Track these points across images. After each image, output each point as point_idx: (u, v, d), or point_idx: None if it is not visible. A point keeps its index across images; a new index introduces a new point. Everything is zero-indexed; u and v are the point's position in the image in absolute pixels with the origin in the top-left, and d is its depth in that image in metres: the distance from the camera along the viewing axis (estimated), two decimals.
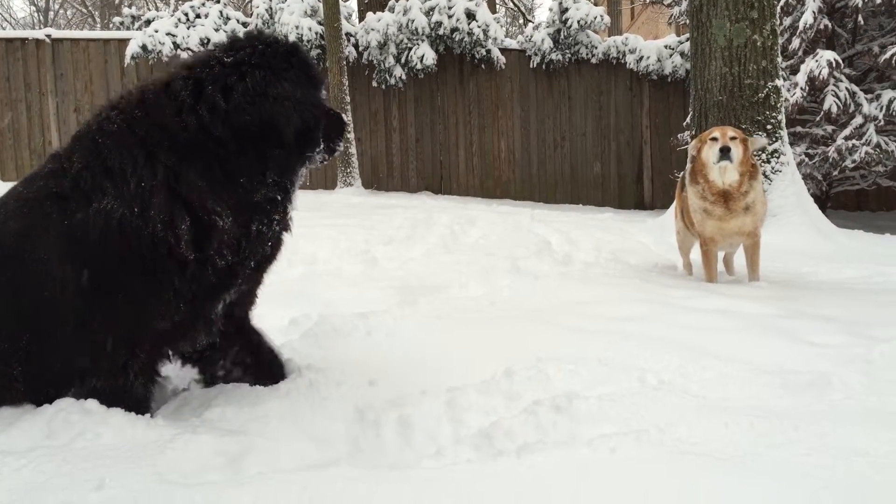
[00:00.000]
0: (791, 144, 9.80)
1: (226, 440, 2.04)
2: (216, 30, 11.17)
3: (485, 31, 11.19)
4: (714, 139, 4.27)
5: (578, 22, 11.34)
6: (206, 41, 11.00)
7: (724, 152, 4.17)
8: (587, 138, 12.12)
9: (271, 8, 11.32)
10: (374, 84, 11.47)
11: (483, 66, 11.69)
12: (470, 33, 11.15)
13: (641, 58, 11.65)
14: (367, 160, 11.86)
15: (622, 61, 11.80)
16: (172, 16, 11.48)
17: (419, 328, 3.07)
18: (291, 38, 10.88)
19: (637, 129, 12.14)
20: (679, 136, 10.04)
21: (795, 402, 2.40)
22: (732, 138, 4.24)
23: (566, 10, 11.44)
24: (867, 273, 5.11)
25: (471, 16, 11.18)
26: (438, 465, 1.97)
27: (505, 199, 11.76)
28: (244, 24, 11.52)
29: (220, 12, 11.43)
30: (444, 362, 2.66)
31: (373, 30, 11.16)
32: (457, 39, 11.20)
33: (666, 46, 11.60)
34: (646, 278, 4.45)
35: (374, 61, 11.33)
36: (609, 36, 13.60)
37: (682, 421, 2.14)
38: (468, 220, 6.47)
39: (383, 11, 11.43)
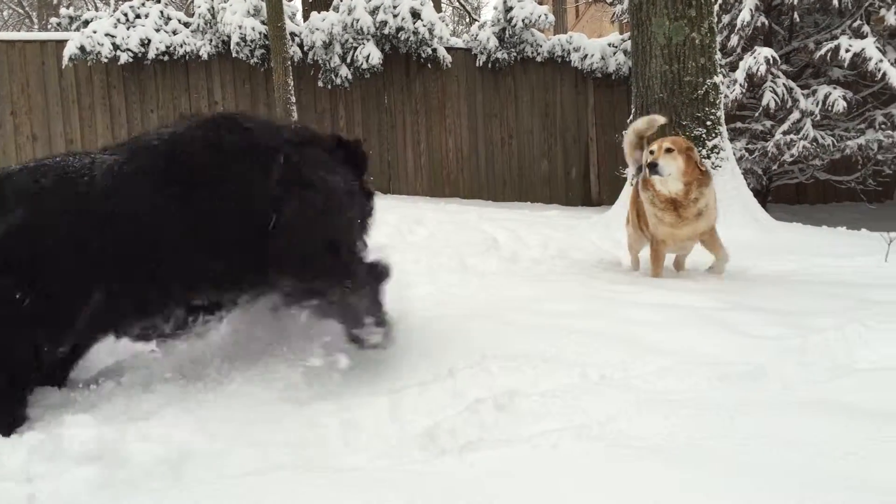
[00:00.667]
0: (732, 140, 10.02)
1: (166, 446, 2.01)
2: (157, 30, 10.97)
3: (430, 31, 11.20)
4: (651, 152, 4.29)
5: (523, 21, 11.41)
6: (146, 42, 10.79)
7: (652, 167, 4.19)
8: (534, 136, 12.20)
9: (213, 7, 11.15)
10: (321, 84, 11.39)
11: (429, 65, 11.68)
12: (415, 32, 11.14)
13: (586, 56, 11.77)
14: None
15: (567, 59, 11.91)
16: (112, 16, 11.22)
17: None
18: (234, 38, 10.75)
19: (583, 127, 12.27)
20: (624, 132, 10.15)
21: (734, 394, 2.45)
22: (668, 150, 4.23)
23: (511, 8, 11.50)
24: (805, 265, 5.24)
25: (416, 15, 11.17)
26: (383, 465, 1.97)
27: (454, 197, 11.78)
28: (186, 24, 11.33)
29: (161, 12, 11.22)
30: (388, 362, 2.66)
31: (317, 29, 11.08)
32: (402, 39, 11.18)
33: (609, 45, 11.74)
34: (591, 274, 4.51)
35: (320, 61, 11.25)
36: (555, 34, 13.72)
37: (623, 415, 2.18)
38: (415, 220, 6.48)
39: (328, 11, 11.34)
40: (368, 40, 11.12)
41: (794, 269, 5.12)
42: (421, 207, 8.08)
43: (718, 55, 9.78)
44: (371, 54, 11.03)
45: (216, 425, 2.18)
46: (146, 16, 11.07)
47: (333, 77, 11.20)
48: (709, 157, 6.43)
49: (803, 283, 4.42)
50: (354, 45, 11.14)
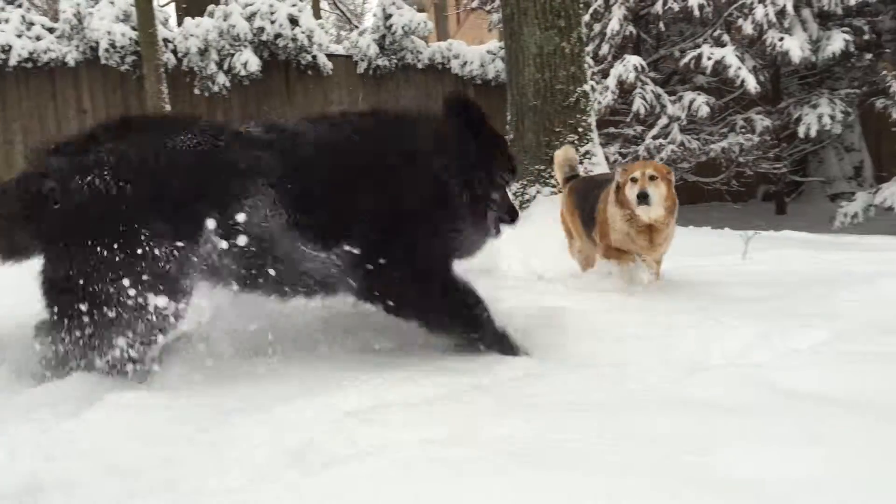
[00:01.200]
0: (606, 144, 10.41)
1: None
2: (18, 36, 10.41)
3: (309, 37, 11.10)
4: (634, 180, 4.18)
5: (403, 28, 11.48)
6: (7, 48, 10.22)
7: (642, 198, 4.11)
8: None
9: (80, 13, 10.68)
10: (197, 91, 11.11)
11: (310, 72, 11.59)
12: (294, 39, 11.03)
13: (465, 63, 11.94)
14: None
15: (447, 66, 12.06)
16: None
17: (232, 345, 3.00)
18: (103, 44, 10.33)
19: None
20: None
21: (599, 394, 2.55)
22: (652, 178, 4.17)
23: (390, 15, 11.55)
24: (672, 265, 5.47)
25: (294, 21, 11.06)
26: (250, 486, 1.94)
27: None
28: (50, 30, 10.80)
29: (23, 17, 10.66)
30: (258, 378, 2.62)
31: (192, 35, 10.79)
32: (281, 45, 11.05)
33: (488, 52, 11.96)
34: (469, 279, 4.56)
35: (196, 68, 10.97)
36: (437, 41, 13.85)
37: (491, 420, 2.23)
38: None
39: (203, 17, 11.07)
40: (246, 47, 10.92)
41: (663, 268, 5.34)
42: None
43: (590, 63, 10.16)
44: (249, 61, 10.84)
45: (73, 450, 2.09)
46: (6, 21, 10.49)
47: (210, 84, 10.94)
48: (581, 163, 6.64)
49: (670, 283, 4.63)
50: (231, 51, 10.93)
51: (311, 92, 11.81)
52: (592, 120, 6.85)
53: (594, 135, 6.82)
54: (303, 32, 11.08)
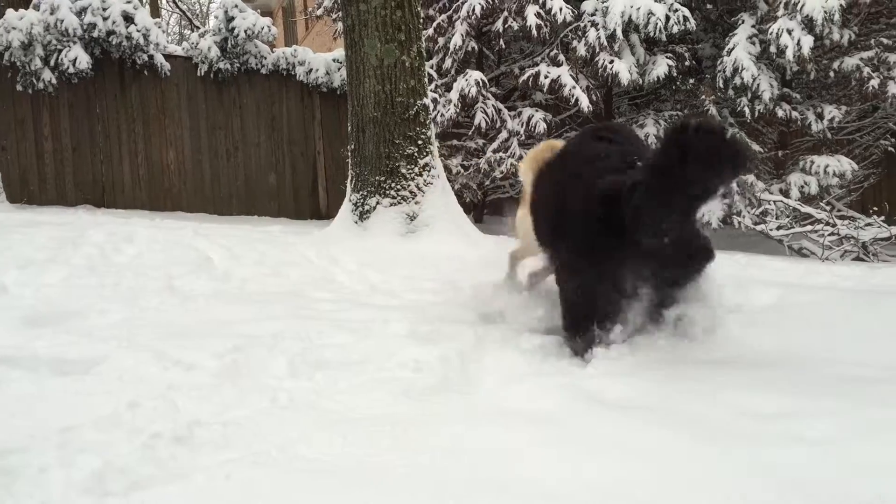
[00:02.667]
0: (449, 156, 10.62)
1: None
2: None
3: (145, 36, 10.66)
4: None
5: (245, 31, 11.22)
6: None
7: None
8: (261, 149, 12.04)
9: None
10: (20, 88, 10.40)
11: (146, 72, 11.11)
12: (129, 37, 10.55)
13: (311, 70, 11.83)
14: (14, 172, 10.72)
15: (292, 73, 11.89)
16: None
17: (35, 361, 2.83)
18: None
19: (311, 140, 12.31)
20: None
21: (417, 408, 2.60)
22: None
23: (232, 18, 11.27)
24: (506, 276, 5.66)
25: (129, 19, 10.58)
26: None
27: (177, 211, 11.29)
28: None
29: None
30: (61, 398, 2.49)
31: (14, 28, 10.09)
32: (114, 43, 10.54)
33: (334, 60, 11.89)
34: (300, 293, 4.53)
35: (18, 63, 10.26)
36: (285, 46, 13.64)
37: (304, 438, 2.22)
38: (125, 237, 6.10)
39: (27, 9, 10.38)
40: (75, 43, 10.34)
41: (496, 280, 5.50)
42: (133, 223, 7.63)
43: (433, 76, 10.33)
44: (78, 58, 10.27)
45: None
46: None
47: (35, 81, 10.28)
48: (421, 175, 6.75)
49: (500, 294, 4.76)
50: (59, 47, 10.31)
51: (148, 93, 11.33)
52: (432, 133, 6.98)
53: (433, 147, 6.94)
54: (138, 31, 10.62)
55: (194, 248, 5.86)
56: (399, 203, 6.70)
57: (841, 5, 9.58)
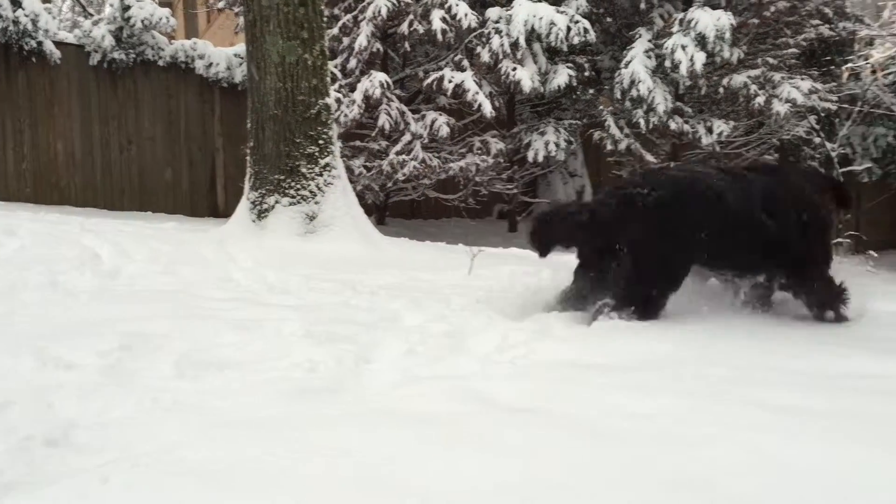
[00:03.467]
0: (352, 157, 10.56)
1: None
2: None
3: (34, 21, 10.15)
4: None
5: (142, 21, 10.84)
6: None
7: None
8: (157, 143, 11.65)
9: None
10: None
11: (35, 59, 10.58)
12: (16, 22, 10.03)
13: (211, 64, 11.54)
14: None
15: (192, 66, 11.57)
16: None
17: None
18: None
19: (210, 136, 12.01)
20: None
21: (307, 409, 2.56)
22: None
23: (129, 7, 10.86)
24: (404, 278, 5.66)
25: (17, 3, 10.06)
26: None
27: (65, 205, 10.79)
28: None
29: None
30: None
31: None
32: (0, 28, 10.00)
33: (236, 55, 11.63)
34: (193, 291, 4.41)
35: None
36: (185, 39, 13.27)
37: (187, 440, 2.16)
38: (6, 230, 5.81)
39: None
40: None
41: (395, 282, 5.50)
42: (17, 216, 7.26)
43: (337, 76, 10.26)
44: None
45: None
46: None
47: None
48: (321, 175, 6.68)
49: (402, 295, 4.76)
50: None
51: (36, 81, 10.79)
52: (334, 133, 6.91)
53: (335, 147, 6.88)
54: (27, 16, 10.10)
55: (81, 244, 5.63)
56: (299, 203, 6.61)
57: (731, 25, 10.05)
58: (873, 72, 9.42)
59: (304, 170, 6.63)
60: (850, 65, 11.22)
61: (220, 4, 12.78)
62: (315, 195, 6.65)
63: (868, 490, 1.93)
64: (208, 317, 3.68)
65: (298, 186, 6.62)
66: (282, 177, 6.62)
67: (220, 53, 11.66)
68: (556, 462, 2.09)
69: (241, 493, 1.87)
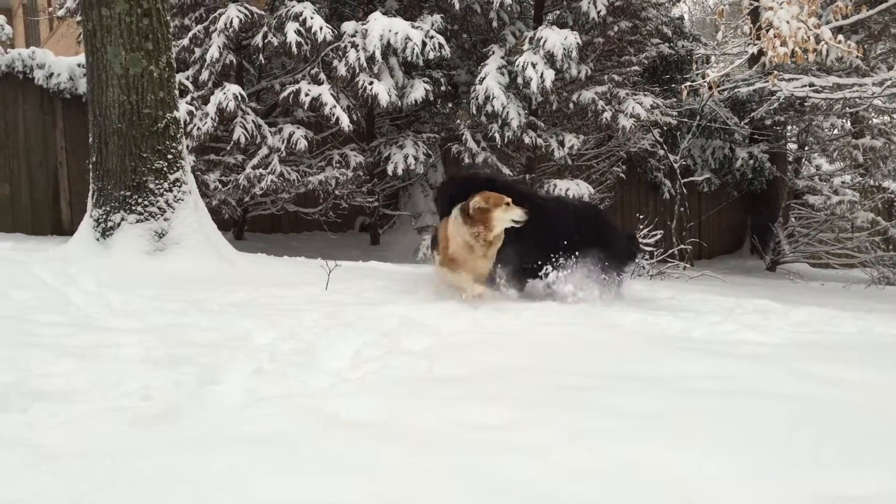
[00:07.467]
0: (206, 172, 10.25)
1: None
2: None
3: None
4: (508, 204, 5.03)
5: None
6: None
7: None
8: None
9: None
10: None
11: None
12: None
13: (52, 74, 10.93)
14: None
15: (30, 76, 10.91)
16: None
17: None
18: None
19: (52, 149, 11.34)
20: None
21: (145, 437, 2.47)
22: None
23: None
24: (258, 295, 5.54)
25: None
26: None
27: None
28: None
29: None
30: None
31: None
32: None
33: (79, 65, 11.04)
34: (26, 317, 4.16)
35: None
36: (26, 47, 12.50)
37: (7, 477, 2.05)
38: None
39: None
40: None
41: (247, 299, 5.38)
42: None
43: (189, 88, 9.96)
44: None
45: None
46: None
47: None
48: (171, 191, 6.45)
49: (253, 313, 4.67)
50: None
51: None
52: (183, 147, 6.70)
53: (185, 162, 6.67)
54: None
55: None
56: (147, 220, 6.35)
57: (578, 44, 10.49)
58: (710, 88, 10.10)
59: (151, 185, 6.39)
60: (688, 82, 11.93)
61: (61, 12, 12.11)
62: (164, 211, 6.41)
63: (703, 481, 2.06)
64: (40, 344, 3.49)
65: (146, 203, 6.37)
66: (128, 193, 6.34)
67: (63, 63, 11.06)
68: (392, 477, 2.11)
69: None
